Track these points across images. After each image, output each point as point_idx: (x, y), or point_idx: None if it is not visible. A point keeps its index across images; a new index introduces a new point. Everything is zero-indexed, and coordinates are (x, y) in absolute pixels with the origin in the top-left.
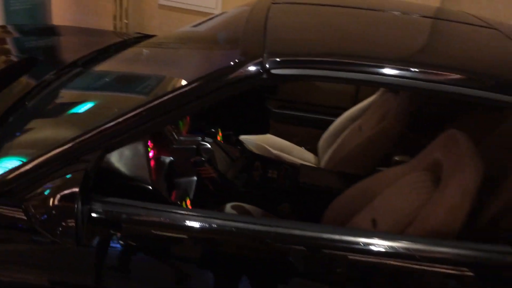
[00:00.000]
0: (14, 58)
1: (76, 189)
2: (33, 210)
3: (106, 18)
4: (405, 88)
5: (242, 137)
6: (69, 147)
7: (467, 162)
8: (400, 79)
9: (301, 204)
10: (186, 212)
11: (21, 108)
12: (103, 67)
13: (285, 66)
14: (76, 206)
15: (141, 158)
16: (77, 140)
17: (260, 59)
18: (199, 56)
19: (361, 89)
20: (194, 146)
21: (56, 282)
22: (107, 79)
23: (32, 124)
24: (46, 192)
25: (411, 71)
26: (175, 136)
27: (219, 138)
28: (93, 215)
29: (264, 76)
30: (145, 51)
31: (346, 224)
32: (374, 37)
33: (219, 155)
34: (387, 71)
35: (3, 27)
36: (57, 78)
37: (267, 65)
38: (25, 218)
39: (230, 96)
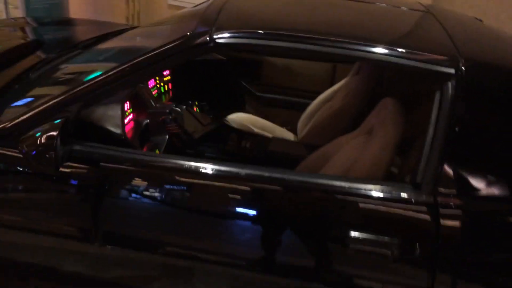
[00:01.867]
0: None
1: (57, 131)
2: (26, 148)
3: (120, 18)
4: (319, 55)
5: (229, 117)
6: (56, 101)
7: (388, 121)
8: (317, 46)
9: None
10: (147, 154)
11: (25, 78)
12: (96, 48)
13: (227, 37)
14: (55, 142)
15: (117, 115)
16: (62, 96)
17: (209, 31)
18: (169, 30)
19: (336, 75)
20: (167, 110)
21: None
22: (95, 55)
23: (33, 91)
24: (37, 134)
25: (329, 41)
26: (153, 103)
27: (195, 108)
28: (74, 155)
29: (211, 44)
30: (134, 32)
31: None
32: (308, 17)
33: (189, 118)
34: (305, 40)
35: (23, 18)
36: (58, 57)
37: (214, 36)
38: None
39: (186, 60)
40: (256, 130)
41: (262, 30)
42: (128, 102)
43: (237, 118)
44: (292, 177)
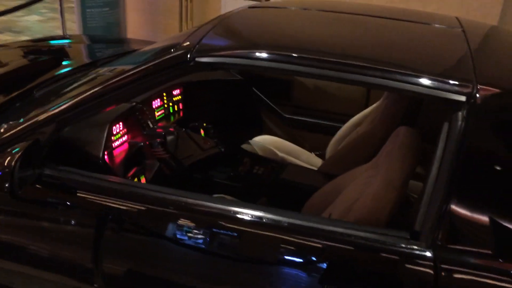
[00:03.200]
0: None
1: (17, 154)
2: None
3: None
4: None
5: (254, 139)
6: (30, 122)
7: (395, 153)
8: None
9: (278, 199)
10: (117, 181)
11: (29, 96)
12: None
13: (207, 55)
14: (12, 165)
15: (99, 137)
16: (37, 117)
17: (191, 50)
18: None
19: (371, 97)
20: (162, 133)
21: None
22: (88, 75)
23: (29, 110)
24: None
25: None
26: (150, 124)
27: (202, 131)
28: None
29: (192, 63)
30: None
31: None
32: (302, 35)
33: (186, 142)
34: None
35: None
36: (66, 76)
37: (194, 55)
38: None
39: (169, 80)
40: (280, 154)
41: (241, 50)
42: (121, 123)
43: (261, 141)
44: (282, 218)
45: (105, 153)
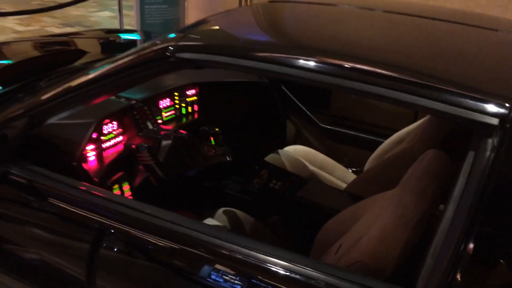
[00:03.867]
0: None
1: None
2: None
3: None
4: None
5: (286, 148)
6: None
7: (413, 185)
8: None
9: (292, 218)
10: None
11: (34, 87)
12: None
13: (188, 50)
14: None
15: (81, 138)
16: (7, 110)
17: (172, 44)
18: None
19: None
20: (159, 136)
21: None
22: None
23: None
24: None
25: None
26: (150, 125)
27: (212, 138)
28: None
29: (172, 59)
30: None
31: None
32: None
33: (183, 149)
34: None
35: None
36: (76, 70)
37: (175, 49)
38: None
39: (151, 76)
40: (310, 168)
41: (223, 46)
42: (114, 123)
43: (292, 151)
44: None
45: (85, 154)
